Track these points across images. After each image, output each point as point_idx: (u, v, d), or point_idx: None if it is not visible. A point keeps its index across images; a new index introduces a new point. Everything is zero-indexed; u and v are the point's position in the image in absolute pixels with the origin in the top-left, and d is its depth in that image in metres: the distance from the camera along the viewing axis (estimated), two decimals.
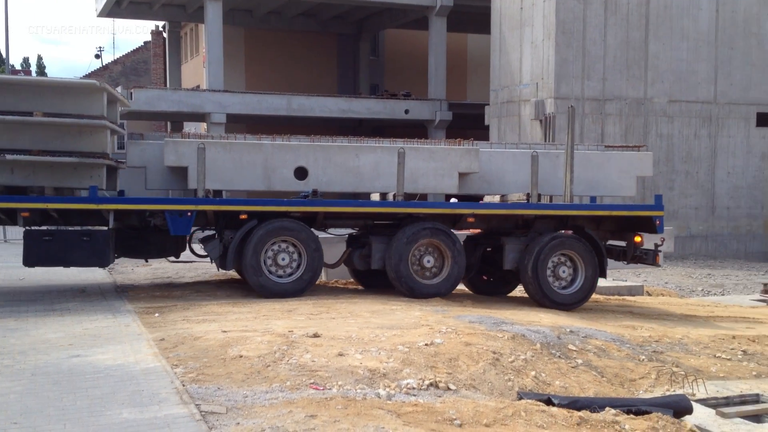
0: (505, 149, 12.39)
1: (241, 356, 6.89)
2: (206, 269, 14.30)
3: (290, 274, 10.73)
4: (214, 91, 26.49)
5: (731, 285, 17.15)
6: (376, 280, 11.77)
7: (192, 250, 11.67)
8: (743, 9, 22.86)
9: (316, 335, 7.69)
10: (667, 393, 7.03)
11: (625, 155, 12.49)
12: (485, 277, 12.64)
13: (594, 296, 13.13)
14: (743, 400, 7.14)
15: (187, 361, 6.81)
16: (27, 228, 10.57)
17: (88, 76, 42.01)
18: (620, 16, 21.93)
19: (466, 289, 12.64)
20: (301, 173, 11.04)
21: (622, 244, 11.96)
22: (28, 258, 10.36)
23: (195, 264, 13.89)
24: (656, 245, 11.66)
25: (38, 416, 5.36)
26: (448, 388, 6.62)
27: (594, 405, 6.30)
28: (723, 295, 15.93)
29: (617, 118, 22.23)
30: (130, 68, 46.12)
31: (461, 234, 12.19)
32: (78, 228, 10.59)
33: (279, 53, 33.62)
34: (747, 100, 23.04)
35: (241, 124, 29.30)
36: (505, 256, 11.45)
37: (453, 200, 12.59)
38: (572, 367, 7.72)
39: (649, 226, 11.67)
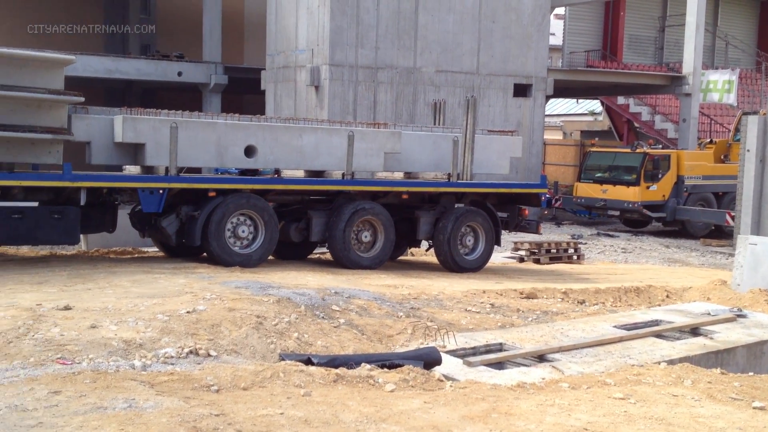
0: (412, 131, 13.55)
1: None
2: None
3: (248, 245, 11.48)
4: None
5: None
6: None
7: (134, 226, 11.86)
8: None
9: (67, 308, 7.28)
10: (421, 346, 7.45)
11: (502, 139, 14.33)
12: None
13: None
14: (488, 349, 7.73)
15: None
16: None
17: None
18: None
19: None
20: (250, 151, 11.64)
21: (504, 214, 13.87)
22: None
23: None
24: (540, 217, 14.19)
25: None
26: (209, 355, 6.56)
27: (351, 362, 6.52)
28: None
29: (389, 86, 22.94)
30: None
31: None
32: (50, 206, 10.26)
33: (38, 7, 30.90)
34: (505, 71, 24.69)
35: None
36: (420, 228, 12.93)
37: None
38: (334, 327, 7.94)
39: (535, 200, 14.00)
